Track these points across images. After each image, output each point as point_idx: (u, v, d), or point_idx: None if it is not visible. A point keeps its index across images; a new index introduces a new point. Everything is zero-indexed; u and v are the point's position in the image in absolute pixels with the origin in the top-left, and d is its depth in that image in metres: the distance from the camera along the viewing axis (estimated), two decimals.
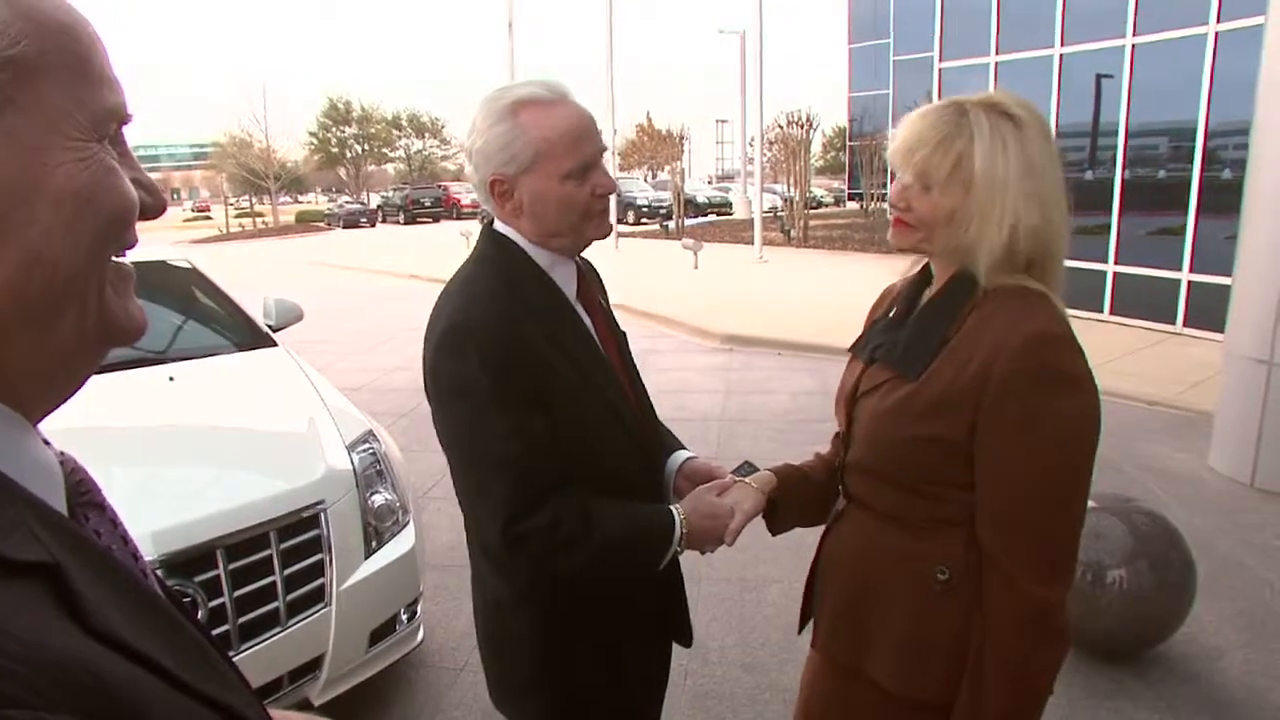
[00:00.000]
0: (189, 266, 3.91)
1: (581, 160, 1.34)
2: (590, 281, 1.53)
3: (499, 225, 1.43)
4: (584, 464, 1.36)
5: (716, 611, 3.45)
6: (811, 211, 23.66)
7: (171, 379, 3.08)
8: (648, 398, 1.59)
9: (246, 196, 50.38)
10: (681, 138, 26.50)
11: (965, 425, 1.18)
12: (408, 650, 2.82)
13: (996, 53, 9.97)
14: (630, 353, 1.60)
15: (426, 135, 60.31)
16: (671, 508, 1.41)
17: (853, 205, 31.73)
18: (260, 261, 23.18)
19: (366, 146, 56.57)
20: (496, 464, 1.30)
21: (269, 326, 3.86)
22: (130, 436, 2.70)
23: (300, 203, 66.82)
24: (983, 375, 1.16)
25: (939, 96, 10.89)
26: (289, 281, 17.31)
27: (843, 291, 11.61)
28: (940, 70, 10.77)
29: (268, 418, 2.97)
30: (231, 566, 2.29)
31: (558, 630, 1.44)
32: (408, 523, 2.83)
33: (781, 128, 21.38)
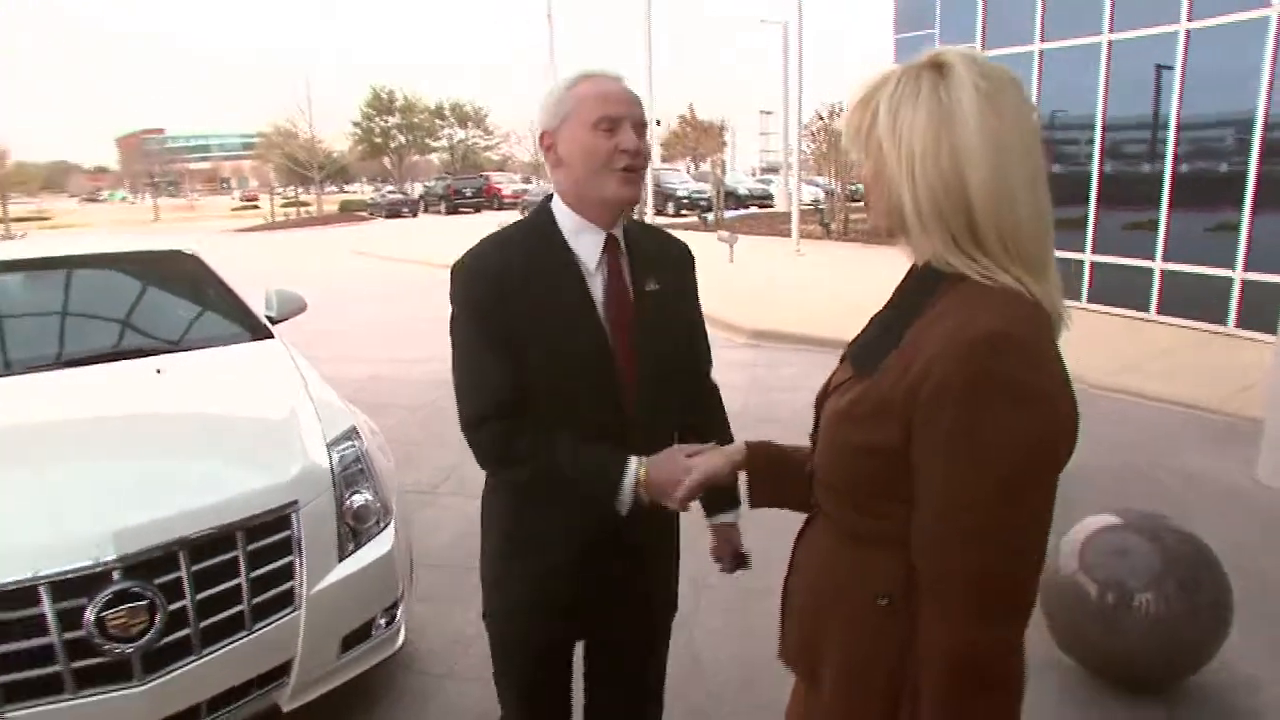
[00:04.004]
0: (190, 255, 3.85)
1: (607, 112, 1.51)
2: (634, 258, 1.66)
3: (555, 195, 1.64)
4: (559, 411, 1.56)
5: (719, 622, 3.31)
6: (853, 204, 23.25)
7: (159, 371, 3.01)
8: (660, 378, 1.67)
9: (293, 186, 51.13)
10: (722, 129, 26.17)
11: (901, 433, 1.03)
12: (385, 655, 2.72)
13: (1041, 40, 9.60)
14: (654, 331, 1.66)
15: (469, 125, 60.55)
16: (634, 456, 1.52)
17: None
18: (299, 250, 23.48)
19: (410, 136, 56.98)
20: (461, 375, 1.60)
21: (269, 318, 3.79)
22: (103, 430, 2.64)
23: (346, 192, 67.67)
24: (921, 379, 1.00)
25: None
26: (325, 270, 17.49)
27: (878, 287, 11.22)
28: None
29: (248, 414, 2.88)
30: (195, 568, 2.20)
31: (513, 525, 1.71)
32: (389, 524, 2.72)
33: (823, 119, 20.98)
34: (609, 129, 1.52)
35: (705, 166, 33.05)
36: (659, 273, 1.69)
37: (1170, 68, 8.32)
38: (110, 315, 3.37)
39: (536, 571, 1.69)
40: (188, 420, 2.78)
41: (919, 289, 1.11)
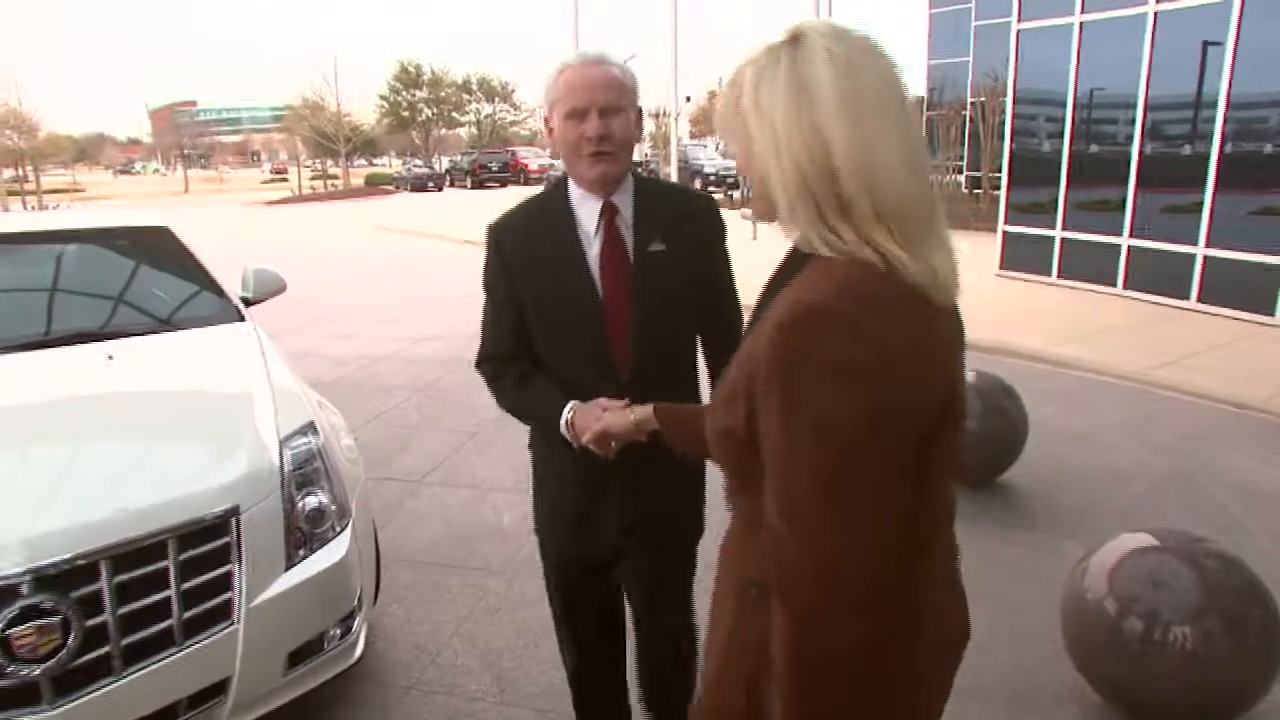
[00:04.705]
0: (161, 230, 3.64)
1: (575, 105, 1.65)
2: (640, 220, 1.75)
3: None
4: (557, 361, 1.78)
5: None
6: None
7: (110, 358, 2.80)
8: (657, 337, 1.77)
9: (321, 159, 51.21)
10: None
11: (744, 416, 1.03)
12: (340, 670, 2.49)
13: (1082, 11, 9.09)
14: (653, 291, 1.74)
15: (496, 99, 60.14)
16: (573, 400, 1.69)
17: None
18: (322, 222, 23.40)
19: (437, 110, 56.70)
20: (482, 319, 1.89)
21: (244, 299, 3.58)
22: (27, 425, 2.43)
23: (375, 165, 67.71)
24: (756, 359, 0.99)
25: (1015, 64, 10.06)
26: (344, 244, 17.40)
27: None
28: (1018, 33, 9.89)
29: (195, 408, 2.65)
30: (118, 580, 2.00)
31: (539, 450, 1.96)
32: (345, 527, 2.50)
33: None
34: (578, 118, 1.66)
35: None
36: (668, 233, 1.77)
37: (1219, 43, 7.83)
38: (66, 296, 3.18)
39: (554, 496, 1.94)
40: (127, 414, 2.56)
41: (787, 271, 1.09)
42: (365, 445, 5.03)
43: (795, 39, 1.01)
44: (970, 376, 4.36)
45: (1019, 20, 9.86)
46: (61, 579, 1.94)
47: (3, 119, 37.35)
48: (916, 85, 37.54)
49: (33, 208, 29.99)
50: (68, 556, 1.94)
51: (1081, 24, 9.11)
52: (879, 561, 0.93)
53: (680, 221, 1.80)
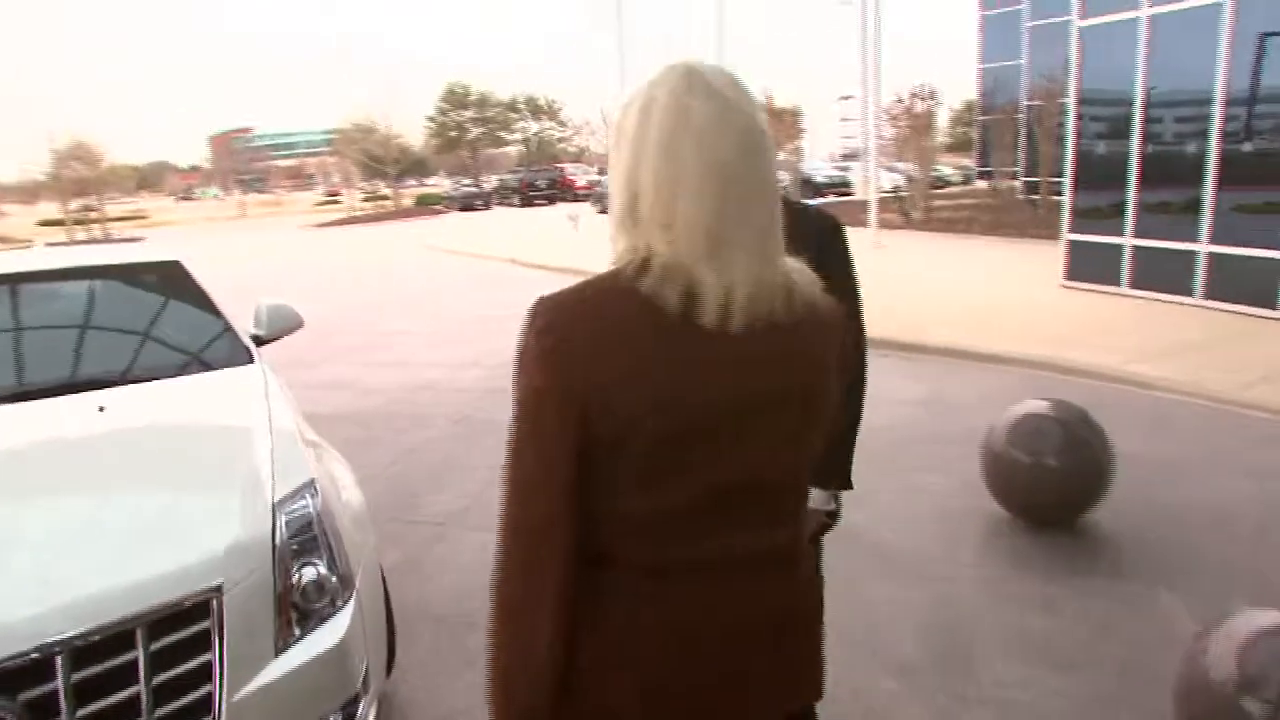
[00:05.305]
0: (171, 265, 3.44)
1: None
2: None
3: None
4: None
5: None
6: (937, 191, 22.07)
7: (102, 409, 2.58)
8: None
9: (373, 180, 52.06)
10: (794, 115, 25.25)
11: None
12: None
13: (1150, 5, 8.56)
14: None
15: (543, 117, 60.60)
16: None
17: (983, 184, 29.64)
18: (371, 244, 23.61)
19: (484, 129, 57.29)
20: None
21: (256, 337, 3.36)
22: None
23: (425, 186, 68.70)
24: None
25: (1078, 62, 9.55)
26: (391, 264, 17.44)
27: (962, 281, 10.44)
28: (1079, 30, 9.37)
29: (182, 467, 2.40)
30: (76, 677, 1.76)
31: None
32: (348, 600, 2.23)
33: (902, 101, 19.89)
34: None
35: (782, 155, 32.11)
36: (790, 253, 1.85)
37: None
38: (62, 341, 2.98)
39: None
40: (105, 477, 2.32)
41: None
42: (395, 484, 4.81)
43: (656, 79, 1.12)
44: (1044, 406, 3.95)
45: (1080, 18, 9.35)
46: (8, 679, 1.70)
47: (69, 151, 38.60)
48: (967, 89, 36.58)
49: (96, 236, 30.92)
50: (15, 653, 1.71)
51: (1150, 18, 8.58)
52: (525, 528, 1.05)
53: (803, 241, 1.74)
